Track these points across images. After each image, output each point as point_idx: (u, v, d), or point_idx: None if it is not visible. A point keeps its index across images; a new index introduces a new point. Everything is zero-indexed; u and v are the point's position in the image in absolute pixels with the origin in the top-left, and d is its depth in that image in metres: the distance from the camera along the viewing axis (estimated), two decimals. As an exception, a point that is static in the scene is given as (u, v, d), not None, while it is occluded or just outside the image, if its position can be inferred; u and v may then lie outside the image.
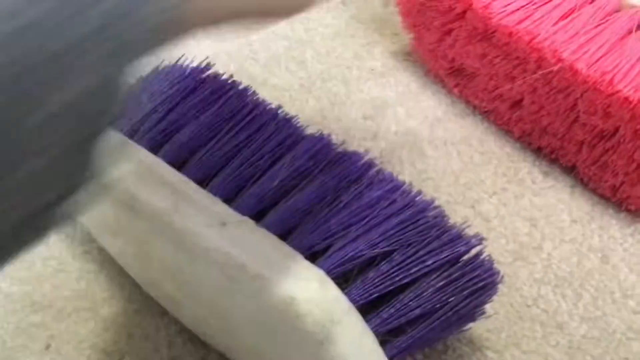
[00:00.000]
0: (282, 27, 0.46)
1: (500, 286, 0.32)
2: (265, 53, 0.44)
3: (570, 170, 0.38)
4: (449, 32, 0.39)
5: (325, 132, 0.40)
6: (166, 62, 0.34)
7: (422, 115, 0.41)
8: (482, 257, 0.28)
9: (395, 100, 0.42)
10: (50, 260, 0.33)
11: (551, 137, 0.37)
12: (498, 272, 0.29)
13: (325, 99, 0.42)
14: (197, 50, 0.44)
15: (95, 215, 0.30)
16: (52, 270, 0.33)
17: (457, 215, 0.37)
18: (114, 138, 0.29)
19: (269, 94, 0.42)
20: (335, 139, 0.38)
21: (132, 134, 0.30)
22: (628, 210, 0.37)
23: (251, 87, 0.34)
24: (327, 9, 0.48)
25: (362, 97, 0.42)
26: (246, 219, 0.27)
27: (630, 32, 0.35)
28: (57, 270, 0.33)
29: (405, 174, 0.38)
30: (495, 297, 0.30)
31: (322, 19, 0.47)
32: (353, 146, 0.39)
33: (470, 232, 0.29)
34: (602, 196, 0.37)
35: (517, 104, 0.38)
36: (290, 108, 0.41)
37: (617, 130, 0.34)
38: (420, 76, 0.44)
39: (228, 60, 0.44)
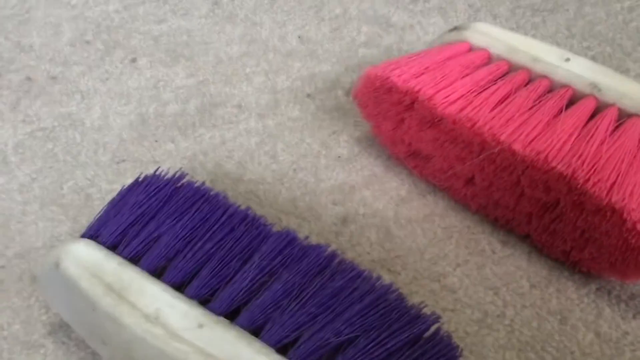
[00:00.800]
0: (253, 124, 0.50)
1: (468, 355, 0.34)
2: (239, 150, 0.48)
3: (525, 237, 0.41)
4: (403, 120, 0.43)
5: (297, 220, 0.43)
6: (144, 174, 0.38)
7: (387, 197, 0.45)
8: (440, 333, 0.31)
9: (362, 184, 0.46)
10: (47, 369, 0.36)
11: (504, 210, 0.40)
12: (457, 347, 0.31)
13: (296, 189, 0.45)
14: (177, 151, 0.48)
15: (85, 325, 0.33)
16: (49, 379, 0.35)
17: (424, 289, 0.40)
18: (98, 252, 0.32)
19: (244, 188, 0.46)
20: (304, 230, 0.41)
21: (114, 247, 0.33)
22: (581, 272, 0.39)
23: (223, 191, 0.37)
24: (295, 103, 0.52)
25: (331, 184, 0.46)
26: (221, 319, 0.30)
27: (560, 110, 0.39)
28: (54, 378, 0.35)
29: (374, 255, 0.41)
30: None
31: (290, 112, 0.51)
32: (324, 232, 0.43)
33: (429, 310, 0.32)
34: (556, 260, 0.40)
35: (470, 181, 0.41)
36: (264, 200, 0.45)
37: (559, 201, 0.37)
38: (383, 160, 0.47)
39: (205, 159, 0.47)
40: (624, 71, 0.53)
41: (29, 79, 0.54)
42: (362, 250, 0.42)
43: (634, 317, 0.38)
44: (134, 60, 0.56)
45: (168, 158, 0.48)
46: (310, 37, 0.58)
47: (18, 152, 0.48)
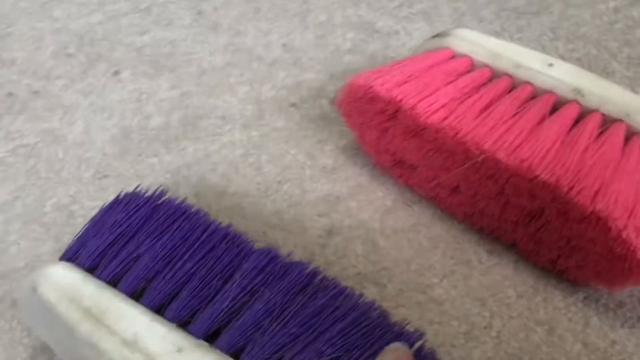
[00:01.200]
0: (237, 135, 0.49)
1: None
2: (223, 163, 0.47)
3: (511, 246, 0.41)
4: (386, 130, 0.42)
5: (283, 233, 0.43)
6: (125, 191, 0.37)
7: (373, 207, 0.44)
8: (424, 351, 0.30)
9: (347, 195, 0.45)
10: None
11: (489, 218, 0.40)
12: (441, 363, 0.31)
13: (281, 202, 0.45)
14: (160, 165, 0.48)
15: (65, 349, 0.32)
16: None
17: (411, 302, 0.39)
18: (76, 275, 0.32)
19: (229, 201, 0.45)
20: (289, 243, 0.41)
21: (93, 269, 0.33)
22: (568, 281, 0.39)
23: (206, 206, 0.36)
24: (280, 112, 0.51)
25: (316, 195, 0.45)
26: (201, 342, 0.30)
27: (544, 117, 0.38)
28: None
29: (360, 267, 0.41)
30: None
31: (275, 122, 0.50)
32: (309, 244, 0.42)
33: (415, 324, 0.31)
34: (543, 268, 0.40)
35: (455, 190, 0.41)
36: (249, 213, 0.44)
37: (543, 210, 0.36)
38: (369, 169, 0.47)
39: (189, 173, 0.47)
40: (609, 73, 0.52)
41: (10, 94, 0.53)
42: (347, 263, 0.41)
43: (622, 325, 0.37)
44: (116, 72, 0.55)
45: (151, 172, 0.47)
46: (295, 45, 0.57)
47: (0, 170, 0.48)
